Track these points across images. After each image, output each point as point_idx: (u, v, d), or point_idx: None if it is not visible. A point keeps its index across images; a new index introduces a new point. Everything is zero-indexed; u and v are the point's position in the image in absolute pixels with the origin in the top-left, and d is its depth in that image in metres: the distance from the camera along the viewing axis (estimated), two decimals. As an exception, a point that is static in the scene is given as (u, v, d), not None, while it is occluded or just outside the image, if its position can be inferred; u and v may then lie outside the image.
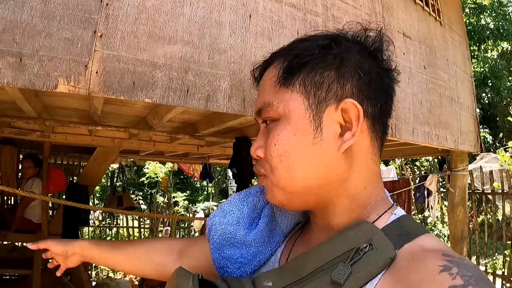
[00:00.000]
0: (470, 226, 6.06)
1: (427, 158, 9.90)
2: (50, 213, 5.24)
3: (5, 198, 5.80)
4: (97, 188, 12.04)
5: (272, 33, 1.57)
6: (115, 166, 7.77)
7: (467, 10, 13.10)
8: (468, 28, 12.40)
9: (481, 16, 13.18)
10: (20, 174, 5.69)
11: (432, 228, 6.79)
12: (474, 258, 5.73)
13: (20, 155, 5.70)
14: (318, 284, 0.59)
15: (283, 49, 0.70)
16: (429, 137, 2.57)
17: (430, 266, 0.52)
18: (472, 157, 8.06)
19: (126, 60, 1.24)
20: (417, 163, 10.08)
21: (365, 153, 0.66)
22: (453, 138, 2.91)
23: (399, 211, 0.67)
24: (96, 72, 1.20)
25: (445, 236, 6.94)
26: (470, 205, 5.93)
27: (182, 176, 14.99)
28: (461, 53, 3.33)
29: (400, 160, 5.30)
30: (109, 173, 8.89)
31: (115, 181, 8.48)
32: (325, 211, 0.68)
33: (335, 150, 0.64)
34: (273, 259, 0.77)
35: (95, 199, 11.30)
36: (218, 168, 11.61)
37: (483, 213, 6.03)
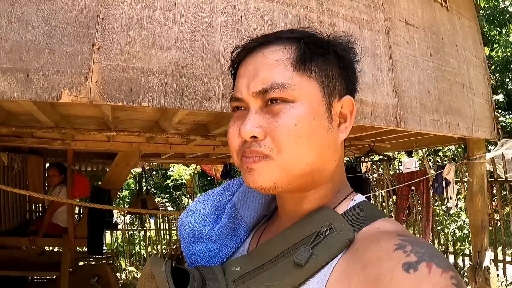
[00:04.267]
0: (496, 216, 5.88)
1: (450, 147, 9.70)
2: (77, 218, 5.42)
3: (33, 205, 6.02)
4: (126, 193, 12.27)
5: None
6: (138, 170, 7.94)
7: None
8: (487, 12, 12.04)
9: (500, -1, 12.78)
10: (46, 182, 5.92)
11: (456, 219, 6.63)
12: (500, 248, 5.56)
13: (46, 164, 5.92)
14: (282, 266, 0.64)
15: (286, 34, 0.71)
16: (439, 126, 2.53)
17: (386, 245, 0.56)
18: (494, 145, 7.85)
19: (122, 68, 1.31)
20: (440, 153, 9.89)
21: (343, 146, 0.74)
22: (466, 125, 2.86)
23: (359, 197, 0.72)
24: (96, 82, 1.28)
25: (469, 226, 6.75)
26: (495, 194, 5.73)
27: (209, 178, 15.09)
28: (472, 38, 3.26)
29: (422, 151, 5.23)
30: (137, 177, 9.06)
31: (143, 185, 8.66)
32: (304, 195, 0.72)
33: (338, 139, 0.71)
34: (241, 250, 0.81)
35: (124, 204, 11.49)
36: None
37: (507, 202, 5.82)
